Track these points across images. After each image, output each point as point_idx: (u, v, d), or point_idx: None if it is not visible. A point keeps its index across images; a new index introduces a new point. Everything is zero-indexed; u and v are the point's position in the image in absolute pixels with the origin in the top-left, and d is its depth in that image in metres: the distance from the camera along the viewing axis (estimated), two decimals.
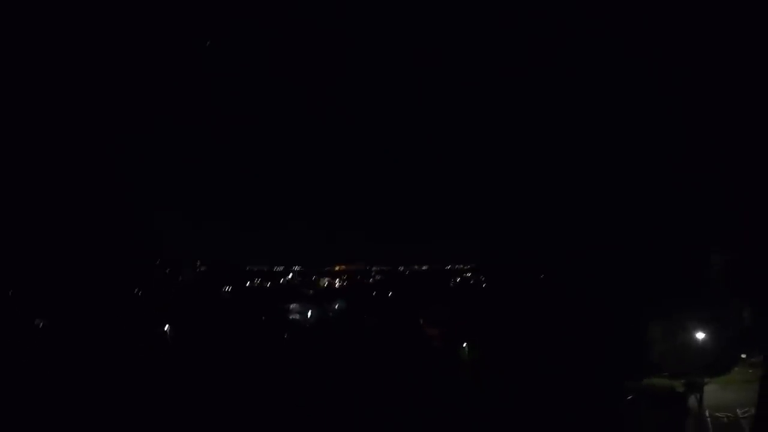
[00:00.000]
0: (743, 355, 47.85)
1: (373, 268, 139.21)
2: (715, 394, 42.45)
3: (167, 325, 66.05)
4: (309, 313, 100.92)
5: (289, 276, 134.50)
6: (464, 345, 63.95)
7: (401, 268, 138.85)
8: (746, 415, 37.92)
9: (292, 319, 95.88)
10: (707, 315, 47.17)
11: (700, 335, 45.34)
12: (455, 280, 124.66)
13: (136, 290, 73.90)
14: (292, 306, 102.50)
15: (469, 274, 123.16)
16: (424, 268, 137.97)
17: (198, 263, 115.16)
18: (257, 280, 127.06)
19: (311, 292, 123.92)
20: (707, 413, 39.71)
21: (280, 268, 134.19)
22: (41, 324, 58.83)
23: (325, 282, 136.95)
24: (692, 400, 41.34)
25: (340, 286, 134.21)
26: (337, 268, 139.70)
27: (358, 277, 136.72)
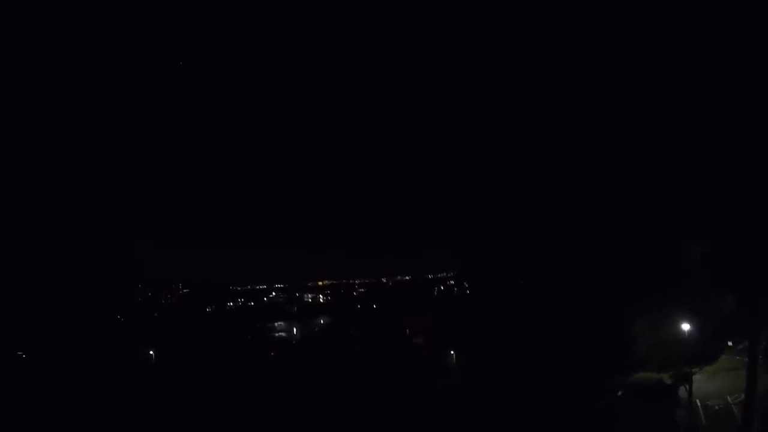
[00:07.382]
0: (729, 343, 48.15)
1: (356, 282, 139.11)
2: (705, 383, 42.68)
3: (151, 350, 65.20)
4: (294, 330, 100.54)
5: (272, 294, 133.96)
6: (451, 352, 63.82)
7: (384, 280, 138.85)
8: (737, 401, 38.14)
9: (278, 336, 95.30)
10: (690, 306, 47.33)
11: (685, 326, 45.44)
12: (439, 289, 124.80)
13: (117, 315, 72.72)
14: (277, 324, 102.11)
15: (452, 282, 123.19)
16: (407, 278, 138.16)
17: (180, 285, 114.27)
18: (240, 300, 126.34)
19: (295, 309, 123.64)
20: (698, 402, 39.88)
21: (263, 287, 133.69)
22: (22, 355, 57.54)
23: (309, 298, 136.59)
24: (682, 391, 41.42)
25: (324, 301, 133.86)
26: (320, 284, 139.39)
27: (342, 291, 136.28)
